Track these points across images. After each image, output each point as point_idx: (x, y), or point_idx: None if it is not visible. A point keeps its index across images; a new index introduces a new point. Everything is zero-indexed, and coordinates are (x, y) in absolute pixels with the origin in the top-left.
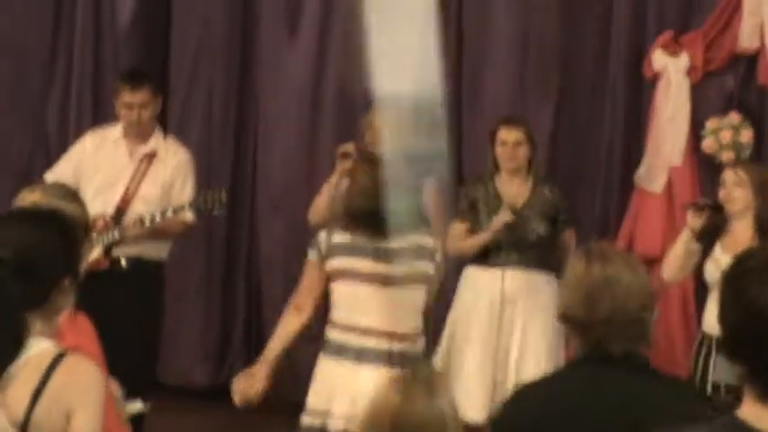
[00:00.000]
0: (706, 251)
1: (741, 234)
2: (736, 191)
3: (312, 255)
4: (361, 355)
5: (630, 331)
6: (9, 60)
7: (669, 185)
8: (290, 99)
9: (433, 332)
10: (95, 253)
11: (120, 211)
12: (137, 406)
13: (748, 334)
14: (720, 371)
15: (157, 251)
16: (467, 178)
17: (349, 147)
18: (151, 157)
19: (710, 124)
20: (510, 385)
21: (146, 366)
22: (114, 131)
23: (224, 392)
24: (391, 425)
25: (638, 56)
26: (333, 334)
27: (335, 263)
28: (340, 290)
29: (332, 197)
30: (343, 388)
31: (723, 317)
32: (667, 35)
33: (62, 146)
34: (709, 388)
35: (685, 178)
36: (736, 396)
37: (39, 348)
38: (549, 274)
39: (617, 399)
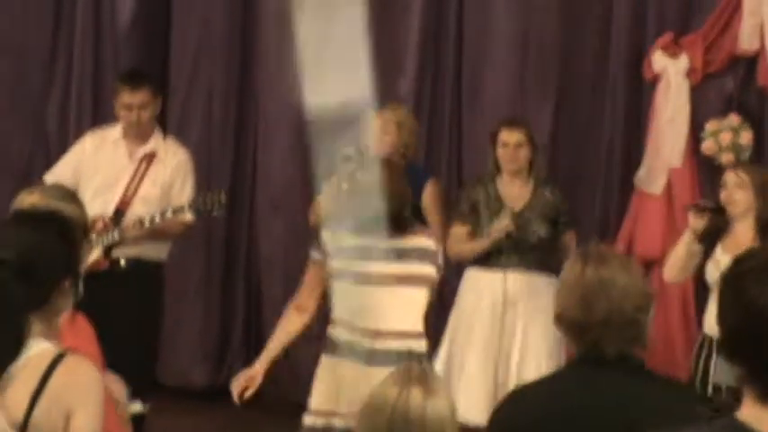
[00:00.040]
0: (707, 252)
1: (742, 235)
2: (737, 192)
3: (316, 255)
4: (370, 356)
5: (626, 333)
6: (9, 60)
7: (669, 187)
8: (289, 99)
9: (433, 333)
10: (95, 254)
11: (120, 211)
12: (136, 407)
13: (748, 334)
14: (721, 372)
15: (157, 252)
16: (467, 180)
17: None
18: (151, 157)
19: (710, 126)
20: (511, 387)
21: (145, 367)
22: (114, 132)
23: (223, 393)
24: (388, 423)
25: (638, 56)
26: (337, 333)
27: (343, 263)
28: (346, 290)
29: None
30: (352, 388)
31: (722, 317)
32: (667, 37)
33: (62, 146)
34: (710, 390)
35: (685, 180)
36: (735, 397)
37: (38, 349)
38: (549, 276)
39: (613, 400)
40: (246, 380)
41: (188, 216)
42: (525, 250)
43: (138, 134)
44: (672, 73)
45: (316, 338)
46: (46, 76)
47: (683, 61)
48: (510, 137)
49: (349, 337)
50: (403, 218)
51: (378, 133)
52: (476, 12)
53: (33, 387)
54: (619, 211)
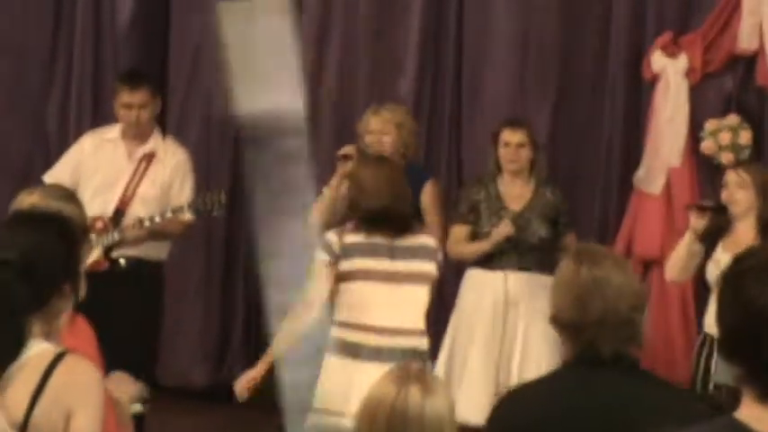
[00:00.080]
0: (708, 252)
1: (743, 235)
2: (738, 192)
3: (322, 255)
4: (377, 354)
5: (622, 332)
6: (9, 60)
7: (668, 187)
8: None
9: (432, 333)
10: (95, 254)
11: (120, 211)
12: (136, 407)
13: (747, 334)
14: (722, 372)
15: (157, 252)
16: (467, 180)
17: (349, 149)
18: (150, 157)
19: (709, 126)
20: None
21: (145, 367)
22: (113, 132)
23: (223, 393)
24: (387, 422)
25: (638, 55)
26: (344, 334)
27: (351, 263)
28: (354, 290)
29: (333, 199)
30: (361, 388)
31: (721, 317)
32: (666, 37)
33: (62, 146)
34: (710, 389)
35: (684, 179)
36: (734, 397)
37: (38, 349)
38: (550, 276)
39: (610, 400)
40: (250, 379)
41: (188, 216)
42: (526, 250)
43: (137, 134)
44: (671, 73)
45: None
46: (46, 75)
47: (682, 61)
48: (512, 137)
49: (355, 337)
50: (407, 216)
51: (377, 133)
52: (475, 12)
53: (33, 387)
54: (618, 211)
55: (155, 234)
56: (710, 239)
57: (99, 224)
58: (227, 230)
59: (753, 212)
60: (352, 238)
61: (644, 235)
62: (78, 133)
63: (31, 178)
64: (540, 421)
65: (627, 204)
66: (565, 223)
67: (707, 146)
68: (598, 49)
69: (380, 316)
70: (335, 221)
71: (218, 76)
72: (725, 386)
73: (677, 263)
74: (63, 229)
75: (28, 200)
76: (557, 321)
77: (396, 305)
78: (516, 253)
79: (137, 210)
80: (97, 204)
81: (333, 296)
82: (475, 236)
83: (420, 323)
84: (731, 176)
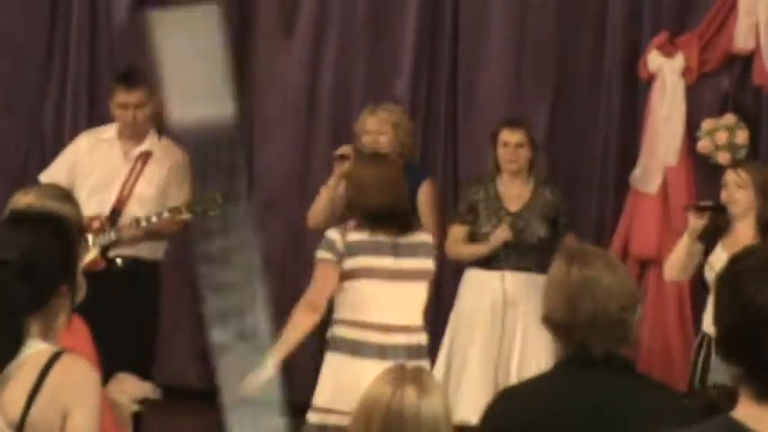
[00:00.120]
0: (707, 252)
1: (743, 235)
2: (738, 192)
3: (326, 254)
4: (382, 352)
5: (612, 333)
6: (6, 59)
7: (664, 186)
8: (286, 97)
9: (432, 332)
10: (92, 254)
11: (116, 211)
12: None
13: (745, 334)
14: (718, 372)
15: (153, 251)
16: (463, 180)
17: (346, 149)
18: (146, 157)
19: (706, 125)
20: None
21: (142, 367)
22: (109, 132)
23: (219, 393)
24: (383, 422)
25: (634, 53)
26: (347, 332)
27: (355, 261)
28: (357, 288)
29: (331, 199)
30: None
31: (719, 316)
32: (662, 36)
33: (57, 145)
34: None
35: (680, 179)
36: (729, 396)
37: (35, 349)
38: None
39: (601, 400)
40: (253, 383)
41: (185, 216)
42: (525, 251)
43: (133, 134)
44: (667, 72)
45: (313, 337)
46: (42, 74)
47: (678, 60)
48: (511, 137)
49: (359, 335)
50: (408, 214)
51: (374, 133)
52: (471, 12)
53: (30, 386)
54: (614, 210)
55: (151, 234)
56: (709, 239)
57: (95, 224)
58: None
59: (752, 212)
60: (356, 236)
61: (640, 234)
62: (74, 132)
63: (27, 177)
64: (532, 421)
65: (623, 204)
66: (564, 224)
67: (703, 145)
68: (594, 47)
69: (384, 313)
70: (333, 221)
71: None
72: (719, 385)
73: (676, 263)
74: (61, 229)
75: (24, 199)
76: (548, 321)
77: (398, 302)
78: (515, 253)
79: (133, 209)
80: (93, 204)
81: (335, 294)
82: (473, 236)
83: (420, 319)
84: (730, 176)
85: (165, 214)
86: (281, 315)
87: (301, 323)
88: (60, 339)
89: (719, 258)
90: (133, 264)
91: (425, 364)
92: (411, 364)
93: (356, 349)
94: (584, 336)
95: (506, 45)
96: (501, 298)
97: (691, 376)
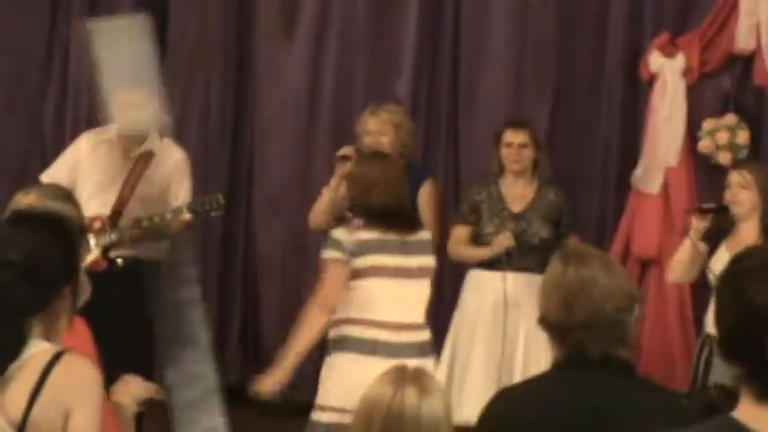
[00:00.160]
0: (711, 253)
1: (747, 235)
2: (741, 193)
3: (334, 254)
4: (394, 350)
5: (609, 334)
6: (6, 59)
7: (665, 186)
8: (286, 98)
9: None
10: (93, 254)
11: (117, 212)
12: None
13: (746, 334)
14: (722, 372)
15: (154, 251)
16: (464, 180)
17: (348, 150)
18: (147, 157)
19: (707, 125)
20: None
21: (143, 367)
22: (110, 132)
23: (220, 393)
24: (383, 423)
25: (635, 55)
26: (358, 331)
27: (365, 260)
28: (365, 287)
29: (332, 200)
30: None
31: (720, 317)
32: (663, 37)
33: (58, 145)
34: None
35: (682, 179)
36: (728, 396)
37: (36, 349)
38: None
39: (598, 402)
40: (276, 380)
41: (186, 217)
42: (527, 251)
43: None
44: (668, 72)
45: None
46: (43, 74)
47: (679, 61)
48: (514, 137)
49: (370, 334)
50: (411, 211)
51: (375, 134)
52: (472, 12)
53: (32, 386)
54: (616, 211)
55: (153, 234)
56: (713, 240)
57: (97, 224)
58: (224, 229)
59: (756, 213)
60: (366, 235)
61: (642, 235)
62: (75, 133)
63: (28, 178)
64: (530, 423)
65: (624, 204)
66: (567, 225)
67: (704, 145)
68: (595, 47)
69: (392, 312)
70: (334, 222)
71: (217, 76)
72: (720, 386)
73: (678, 266)
74: (62, 230)
75: (25, 200)
76: (545, 322)
77: (405, 300)
78: (517, 254)
79: (134, 210)
80: (95, 205)
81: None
82: (476, 237)
83: (423, 316)
84: (734, 177)
85: (167, 215)
86: (281, 315)
87: (315, 323)
88: (62, 340)
89: (722, 259)
90: (134, 264)
91: (431, 361)
92: (417, 362)
93: (368, 348)
94: (581, 337)
95: (507, 45)
96: (502, 300)
97: (693, 377)
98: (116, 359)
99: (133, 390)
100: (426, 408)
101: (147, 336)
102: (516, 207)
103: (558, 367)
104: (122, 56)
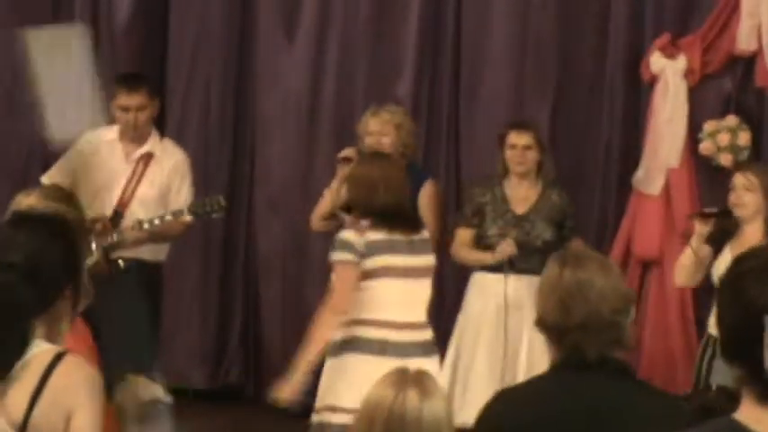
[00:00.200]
0: (716, 255)
1: (751, 237)
2: (746, 195)
3: (345, 256)
4: (404, 349)
5: (605, 335)
6: (7, 60)
7: (667, 188)
8: (287, 98)
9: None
10: (94, 256)
11: (118, 213)
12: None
13: (748, 335)
14: (723, 373)
15: (155, 253)
16: (468, 181)
17: (349, 151)
18: (147, 158)
19: (708, 127)
20: None
21: (144, 369)
22: (110, 133)
23: (221, 394)
24: (385, 425)
25: (637, 55)
26: (369, 332)
27: (375, 261)
28: (375, 287)
29: (334, 202)
30: None
31: (721, 318)
32: (665, 38)
33: (59, 146)
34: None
35: (683, 180)
36: (728, 397)
37: (37, 350)
38: None
39: (595, 404)
40: (294, 386)
41: (187, 218)
42: (530, 253)
43: (134, 136)
44: (670, 74)
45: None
46: None
47: (680, 62)
48: (519, 139)
49: (381, 334)
50: (414, 211)
51: (377, 135)
52: (473, 13)
53: (33, 387)
54: (617, 212)
55: (154, 236)
56: (717, 243)
57: (98, 226)
58: (225, 230)
59: (760, 215)
60: (375, 235)
61: (643, 236)
62: None
63: (29, 179)
64: (527, 424)
65: (626, 205)
66: (571, 227)
67: (706, 147)
68: (596, 49)
69: (401, 311)
70: (336, 224)
71: (217, 76)
72: (721, 387)
73: (682, 271)
74: (64, 231)
75: (26, 201)
76: (541, 324)
77: (411, 300)
78: (521, 256)
79: (135, 211)
80: (96, 206)
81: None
82: (479, 238)
83: (426, 315)
84: (739, 179)
85: (168, 217)
86: (282, 316)
87: (329, 328)
88: (65, 341)
89: (726, 262)
90: (135, 266)
91: (436, 359)
92: (422, 361)
93: (380, 349)
94: (578, 339)
95: (508, 46)
96: (504, 302)
97: (696, 378)
98: (117, 360)
99: (134, 391)
100: (428, 410)
101: (148, 336)
102: (520, 209)
103: (555, 369)
104: (60, 65)
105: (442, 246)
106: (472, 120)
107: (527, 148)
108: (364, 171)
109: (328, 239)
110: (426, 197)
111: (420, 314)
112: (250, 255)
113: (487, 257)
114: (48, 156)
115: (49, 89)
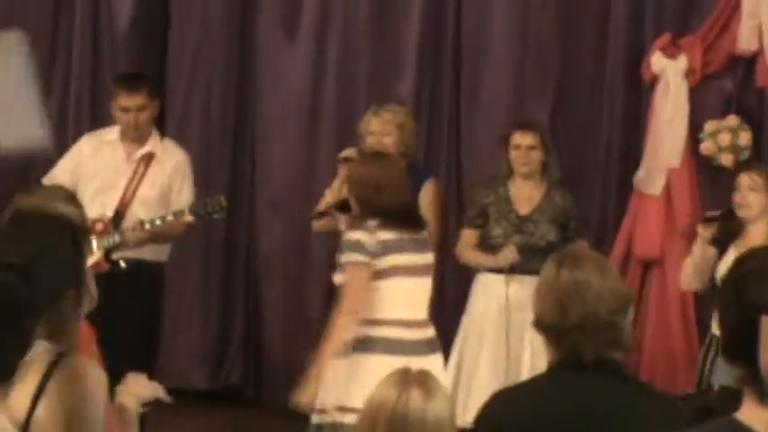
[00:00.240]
0: (720, 256)
1: (756, 237)
2: (751, 195)
3: (357, 257)
4: (415, 347)
5: (603, 336)
6: None
7: (668, 188)
8: (288, 98)
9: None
10: (96, 256)
11: (119, 213)
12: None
13: (748, 336)
14: (726, 374)
15: (157, 253)
16: (469, 181)
17: (351, 151)
18: (148, 158)
19: (709, 127)
20: None
21: (144, 369)
22: (111, 134)
23: (222, 394)
24: (388, 425)
25: (637, 55)
26: (384, 331)
27: (387, 260)
28: (386, 286)
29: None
30: None
31: (723, 318)
32: (665, 38)
33: (61, 147)
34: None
35: (684, 181)
36: (729, 398)
37: (40, 349)
38: None
39: (593, 404)
40: (311, 390)
41: (188, 219)
42: (533, 254)
43: (135, 136)
44: (671, 74)
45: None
46: (45, 76)
47: (681, 62)
48: (523, 139)
49: (396, 333)
50: (417, 210)
51: (378, 134)
52: (474, 12)
53: (35, 387)
54: (617, 212)
55: (155, 237)
56: (722, 244)
57: (99, 226)
58: (226, 231)
59: (765, 215)
60: (386, 235)
61: (644, 236)
62: (77, 134)
63: (29, 179)
64: (525, 424)
65: (626, 205)
66: (574, 228)
67: (706, 147)
68: (597, 49)
69: (408, 310)
70: (333, 224)
71: (218, 77)
72: (720, 386)
73: (689, 273)
74: (66, 231)
75: (27, 201)
76: (539, 324)
77: (417, 298)
78: (524, 257)
79: (137, 211)
80: (97, 206)
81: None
82: (483, 239)
83: (427, 312)
84: (744, 180)
85: (169, 217)
86: (284, 316)
87: (345, 331)
88: (72, 342)
89: (730, 262)
90: (137, 266)
91: (441, 356)
92: (429, 359)
93: (391, 348)
94: (576, 339)
95: (509, 46)
96: (506, 303)
97: (698, 377)
98: (119, 360)
99: (136, 390)
100: (431, 410)
101: (149, 337)
102: (523, 209)
103: (552, 369)
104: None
105: (442, 245)
106: (473, 119)
107: (531, 148)
108: (365, 171)
109: (329, 240)
110: (427, 197)
111: (424, 312)
112: (251, 255)
113: (490, 261)
114: (48, 156)
115: None
